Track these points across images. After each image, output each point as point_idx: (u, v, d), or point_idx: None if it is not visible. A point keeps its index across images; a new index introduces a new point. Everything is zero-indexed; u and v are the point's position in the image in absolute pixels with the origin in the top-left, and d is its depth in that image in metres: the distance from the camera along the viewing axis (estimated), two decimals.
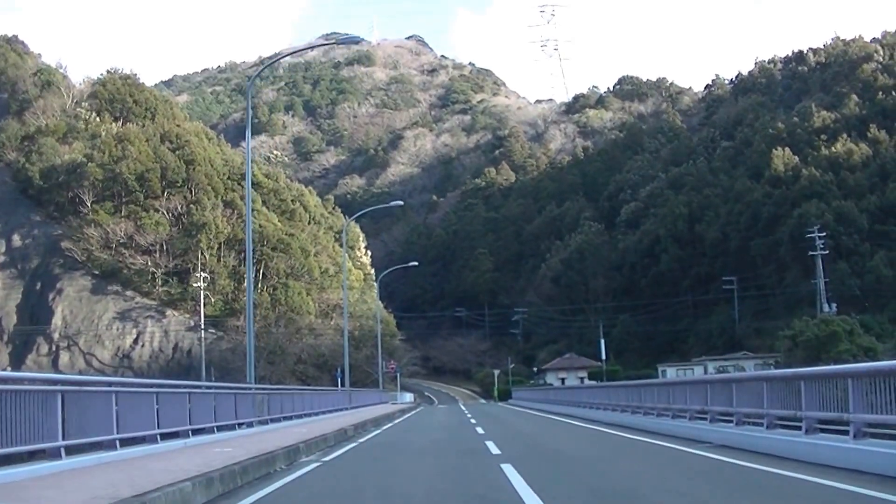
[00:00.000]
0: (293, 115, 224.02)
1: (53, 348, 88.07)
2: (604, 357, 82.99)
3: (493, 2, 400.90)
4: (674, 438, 18.65)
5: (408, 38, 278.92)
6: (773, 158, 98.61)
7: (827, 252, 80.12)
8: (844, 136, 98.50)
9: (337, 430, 23.16)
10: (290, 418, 27.59)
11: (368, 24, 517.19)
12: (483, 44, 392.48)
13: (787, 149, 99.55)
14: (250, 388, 23.97)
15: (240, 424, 21.25)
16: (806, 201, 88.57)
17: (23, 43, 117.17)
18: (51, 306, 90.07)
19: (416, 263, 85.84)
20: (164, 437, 15.71)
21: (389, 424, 32.90)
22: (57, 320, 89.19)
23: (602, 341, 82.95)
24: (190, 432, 17.01)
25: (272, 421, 25.17)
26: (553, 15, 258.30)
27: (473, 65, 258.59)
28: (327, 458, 16.15)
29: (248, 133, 25.84)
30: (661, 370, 78.21)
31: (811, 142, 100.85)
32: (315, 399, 34.48)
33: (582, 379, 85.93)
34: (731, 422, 17.50)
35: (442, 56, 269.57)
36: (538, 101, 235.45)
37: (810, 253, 79.50)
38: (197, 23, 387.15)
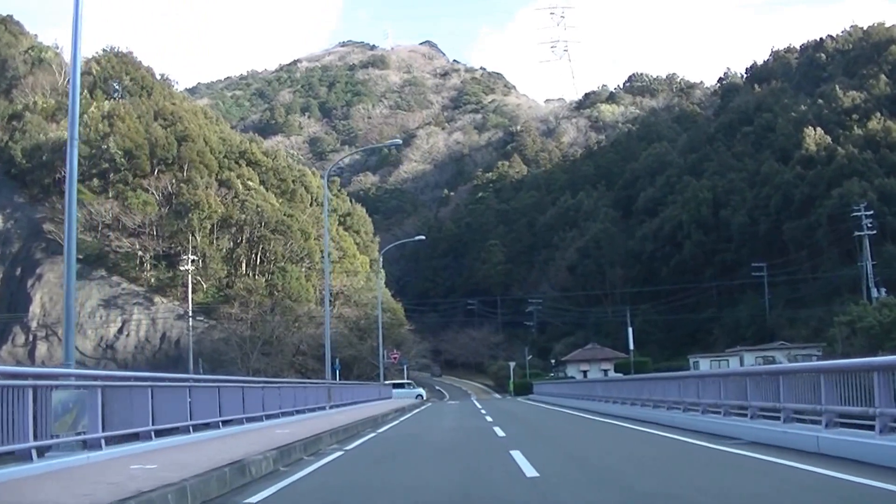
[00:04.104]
0: (309, 117, 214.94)
1: (30, 338, 74.52)
2: (632, 347, 69.76)
3: (514, 17, 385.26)
4: None
5: (421, 44, 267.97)
6: (805, 138, 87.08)
7: (874, 233, 68.25)
8: (878, 114, 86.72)
9: (229, 463, 10.25)
10: (183, 431, 14.57)
11: (384, 31, 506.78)
12: (494, 49, 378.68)
13: (818, 128, 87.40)
14: (65, 376, 10.96)
15: None
16: (845, 180, 77.31)
17: (18, 23, 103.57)
18: (29, 293, 76.65)
19: (422, 237, 73.82)
20: None
21: (372, 434, 20.25)
22: (35, 308, 75.52)
23: (630, 330, 69.82)
24: None
25: (130, 439, 12.26)
26: (563, 17, 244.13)
27: (484, 69, 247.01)
28: None
29: None
30: (692, 361, 65.78)
31: (841, 122, 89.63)
32: (269, 395, 21.34)
33: (606, 371, 73.21)
34: None
35: (454, 60, 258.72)
36: (548, 101, 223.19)
37: (856, 234, 69.21)
38: (223, 35, 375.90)
